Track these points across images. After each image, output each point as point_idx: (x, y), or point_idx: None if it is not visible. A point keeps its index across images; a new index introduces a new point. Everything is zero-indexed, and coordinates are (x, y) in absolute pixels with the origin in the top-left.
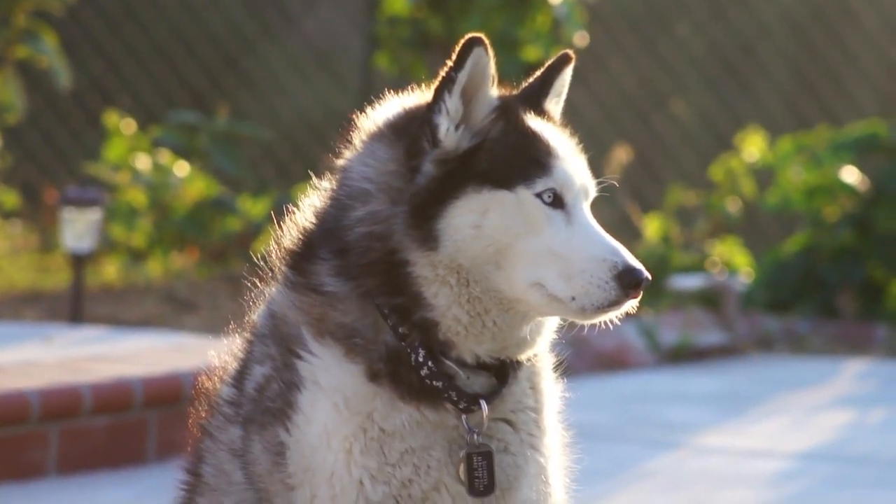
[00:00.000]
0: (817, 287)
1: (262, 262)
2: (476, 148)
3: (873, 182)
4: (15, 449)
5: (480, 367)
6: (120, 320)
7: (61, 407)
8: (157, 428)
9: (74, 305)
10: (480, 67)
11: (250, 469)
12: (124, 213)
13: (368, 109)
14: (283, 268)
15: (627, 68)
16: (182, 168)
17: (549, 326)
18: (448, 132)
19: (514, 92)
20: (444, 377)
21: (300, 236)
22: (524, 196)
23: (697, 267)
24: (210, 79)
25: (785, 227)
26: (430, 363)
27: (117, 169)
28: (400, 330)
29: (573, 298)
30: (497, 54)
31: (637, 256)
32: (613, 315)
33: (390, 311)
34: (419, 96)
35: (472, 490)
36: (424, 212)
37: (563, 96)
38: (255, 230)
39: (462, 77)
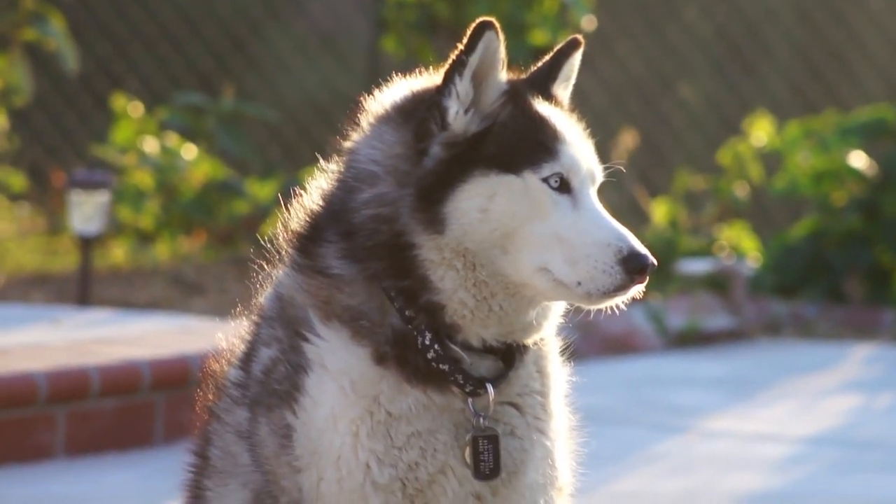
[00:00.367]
0: (825, 272)
1: (269, 245)
2: (484, 132)
3: (881, 167)
4: (22, 431)
5: (487, 350)
6: (127, 303)
7: (69, 389)
8: (164, 410)
9: (82, 288)
10: (491, 51)
11: (257, 451)
12: (132, 195)
13: (376, 92)
14: (289, 250)
15: (635, 52)
16: (189, 151)
17: (556, 311)
18: (457, 115)
19: (523, 76)
20: (450, 360)
21: (307, 219)
22: (531, 181)
23: (705, 251)
24: (217, 61)
25: (792, 211)
26: (436, 346)
27: (125, 151)
28: (406, 313)
29: (579, 283)
30: (504, 38)
31: (645, 241)
32: (619, 300)
33: (397, 294)
34: (427, 79)
35: (478, 473)
36: (431, 195)
37: (572, 81)
38: (262, 213)
39: (473, 61)
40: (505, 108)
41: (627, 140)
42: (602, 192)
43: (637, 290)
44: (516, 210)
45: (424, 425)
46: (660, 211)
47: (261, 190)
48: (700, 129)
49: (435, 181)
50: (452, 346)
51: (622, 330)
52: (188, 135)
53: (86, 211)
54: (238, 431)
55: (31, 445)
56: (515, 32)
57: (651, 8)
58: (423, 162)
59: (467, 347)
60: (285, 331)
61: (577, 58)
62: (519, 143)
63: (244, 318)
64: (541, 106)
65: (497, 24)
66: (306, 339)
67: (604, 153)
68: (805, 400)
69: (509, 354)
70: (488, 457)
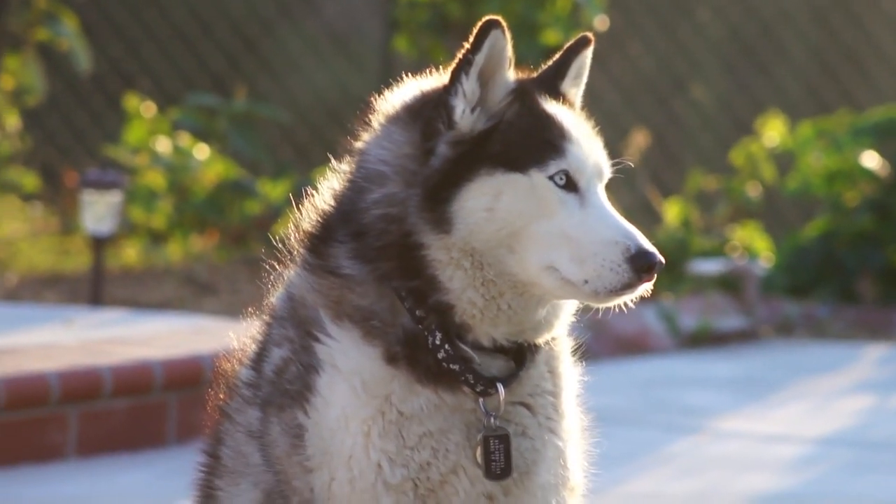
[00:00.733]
0: (837, 272)
1: (280, 245)
2: (490, 130)
3: (893, 167)
4: (35, 431)
5: (497, 350)
6: (140, 303)
7: (81, 389)
8: (176, 410)
9: (94, 288)
10: (498, 50)
11: (268, 451)
12: (144, 195)
13: (386, 92)
14: (301, 250)
15: (647, 52)
16: (202, 151)
17: (568, 310)
18: (464, 114)
19: (532, 75)
20: (460, 360)
21: (319, 219)
22: (537, 179)
23: (717, 252)
24: (230, 62)
25: (805, 211)
26: (446, 346)
27: (137, 152)
28: (417, 313)
29: (586, 282)
30: (517, 38)
31: (657, 241)
32: (627, 298)
33: (407, 295)
34: (437, 79)
35: (489, 473)
36: (438, 194)
37: (584, 79)
38: (274, 213)
39: (479, 59)
40: (512, 107)
41: (639, 140)
42: (614, 192)
43: (645, 288)
44: (522, 208)
45: (436, 425)
46: (672, 211)
47: (273, 190)
48: (712, 130)
49: (441, 180)
50: (462, 346)
51: (634, 330)
52: (201, 135)
53: (98, 211)
54: (249, 431)
55: (43, 445)
56: (528, 32)
57: (664, 8)
58: (430, 161)
59: (478, 347)
60: (297, 331)
61: (586, 55)
62: (525, 142)
63: (256, 319)
64: (548, 104)
65: (504, 23)
66: (317, 340)
67: (615, 153)
68: (817, 400)
69: (520, 354)
70: (499, 456)
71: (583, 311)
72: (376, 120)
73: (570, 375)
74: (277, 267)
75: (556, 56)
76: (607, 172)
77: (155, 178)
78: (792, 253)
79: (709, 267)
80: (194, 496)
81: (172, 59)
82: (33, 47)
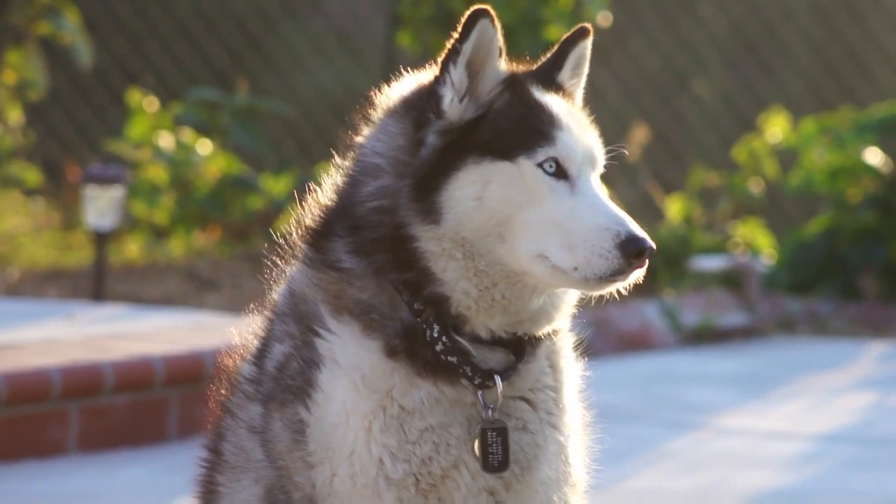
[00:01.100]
0: (839, 269)
1: (282, 241)
2: (479, 119)
3: None
4: (36, 426)
5: (496, 342)
6: (141, 298)
7: (83, 385)
8: (178, 406)
9: (96, 283)
10: (486, 40)
11: (270, 447)
12: (146, 190)
13: (385, 86)
14: (302, 245)
15: (650, 49)
16: (204, 146)
17: (568, 301)
18: (452, 103)
19: (530, 67)
20: (458, 352)
21: (320, 214)
22: (525, 166)
23: (719, 248)
24: (232, 58)
25: (807, 208)
26: (444, 338)
27: (139, 146)
28: (415, 306)
29: (575, 269)
30: (520, 34)
31: (659, 237)
32: (620, 285)
33: (403, 287)
34: (433, 72)
35: (487, 466)
36: (427, 184)
37: (584, 71)
38: (276, 208)
39: (467, 48)
40: (502, 96)
41: (639, 134)
42: (616, 187)
43: (637, 275)
44: (511, 196)
45: (437, 419)
46: (674, 207)
47: (275, 185)
48: (715, 126)
49: (430, 170)
50: (458, 339)
51: (636, 326)
52: (203, 130)
53: (100, 206)
54: (251, 427)
55: (44, 441)
56: (531, 28)
57: (666, 4)
58: (420, 152)
59: (476, 339)
60: (298, 326)
61: (585, 46)
62: (514, 130)
63: (258, 314)
64: (540, 94)
65: (493, 13)
66: (318, 335)
67: (619, 147)
68: (819, 397)
69: (520, 347)
70: (497, 449)
71: (585, 307)
72: (375, 114)
73: (572, 371)
74: (279, 263)
75: (554, 47)
76: (601, 161)
77: (157, 173)
78: (794, 250)
79: (711, 263)
80: (196, 492)
81: (175, 53)
82: (35, 42)
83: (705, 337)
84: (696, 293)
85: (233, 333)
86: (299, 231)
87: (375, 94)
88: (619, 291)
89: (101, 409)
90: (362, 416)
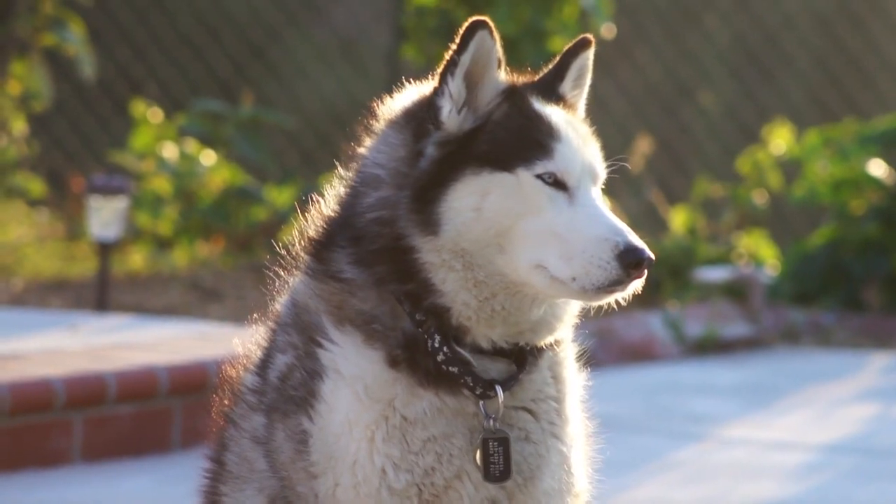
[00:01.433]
0: (843, 280)
1: (285, 252)
2: (477, 130)
3: None
4: (40, 436)
5: (498, 352)
6: (145, 308)
7: (86, 395)
8: (181, 416)
9: (100, 293)
10: (485, 51)
11: (273, 457)
12: (150, 201)
13: (388, 97)
14: (305, 256)
15: (654, 60)
16: (208, 157)
17: (570, 311)
18: (450, 114)
19: (532, 78)
20: (459, 363)
21: (323, 224)
22: (524, 177)
23: (723, 259)
24: (236, 68)
25: (811, 219)
26: (445, 349)
27: (143, 157)
28: (416, 316)
29: (574, 279)
30: (524, 45)
31: (663, 248)
32: (618, 296)
33: (404, 298)
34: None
35: (488, 476)
36: (425, 195)
37: (587, 82)
38: (280, 219)
39: (465, 60)
40: (500, 107)
41: (643, 145)
42: (620, 198)
43: (635, 286)
44: (510, 207)
45: (440, 430)
46: (678, 218)
47: (279, 196)
48: (719, 137)
49: (429, 181)
50: (458, 350)
51: (640, 337)
52: (207, 141)
53: (104, 216)
54: (254, 437)
55: (48, 451)
56: (535, 39)
57: (671, 15)
58: (419, 163)
59: (477, 349)
60: (301, 337)
61: (587, 57)
62: (512, 141)
63: (261, 325)
64: (539, 105)
65: (491, 24)
66: (320, 345)
67: (621, 159)
68: (822, 408)
69: (522, 357)
70: (498, 459)
71: (588, 317)
72: (377, 125)
73: (575, 381)
74: (282, 273)
75: (556, 59)
76: (602, 173)
77: (161, 184)
78: (798, 261)
79: (715, 274)
80: (199, 502)
81: (179, 65)
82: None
83: (709, 348)
84: (700, 304)
85: (236, 344)
86: (302, 242)
87: (378, 105)
88: (620, 301)
89: (105, 418)
90: (365, 426)
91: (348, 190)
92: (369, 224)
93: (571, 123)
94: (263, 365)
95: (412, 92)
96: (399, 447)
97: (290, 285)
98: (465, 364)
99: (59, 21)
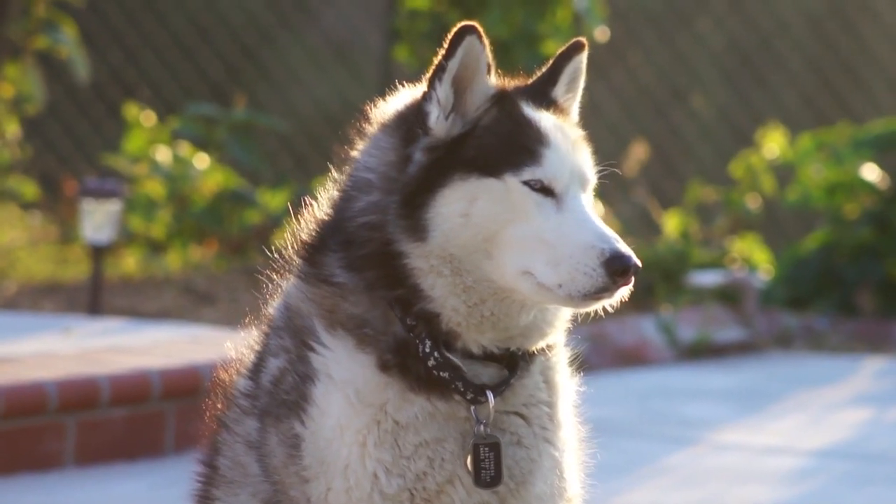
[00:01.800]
0: (836, 284)
1: (278, 255)
2: (465, 135)
3: (893, 179)
4: (33, 440)
5: (489, 357)
6: (138, 312)
7: (79, 398)
8: (174, 420)
9: (93, 297)
10: (473, 56)
11: (266, 461)
12: (143, 204)
13: (381, 101)
14: (297, 260)
15: (647, 63)
16: (201, 160)
17: (562, 316)
18: (438, 120)
19: (523, 83)
20: (450, 368)
21: (315, 228)
22: (512, 183)
23: (717, 263)
24: (229, 71)
25: (805, 223)
26: (435, 354)
27: (137, 160)
28: (407, 321)
29: (560, 286)
30: (517, 49)
31: (656, 252)
32: (605, 303)
33: (394, 303)
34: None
35: (479, 481)
36: (413, 201)
37: (579, 86)
38: (273, 223)
39: (453, 65)
40: (489, 112)
41: (638, 151)
42: (613, 203)
43: (623, 293)
44: (498, 213)
45: (432, 434)
46: (671, 223)
47: (272, 200)
48: (712, 141)
49: (417, 187)
50: (448, 355)
51: (633, 342)
52: (200, 144)
53: (97, 220)
54: (247, 441)
55: (41, 454)
56: (528, 43)
57: (663, 19)
58: (408, 168)
59: (468, 355)
60: (293, 341)
61: (579, 61)
62: (501, 146)
63: (254, 328)
64: (529, 110)
65: (480, 29)
66: (312, 349)
67: (615, 164)
68: (816, 413)
69: (513, 362)
70: (489, 464)
71: (580, 322)
72: (370, 128)
73: (567, 386)
74: (275, 277)
75: (549, 62)
76: (591, 179)
77: (154, 188)
78: (791, 265)
79: (708, 279)
80: None
81: (172, 68)
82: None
83: (702, 352)
84: (693, 308)
85: (229, 347)
86: (295, 245)
87: (370, 108)
88: (612, 307)
89: (98, 422)
90: (356, 430)
91: (340, 193)
92: (359, 228)
93: (561, 128)
94: (256, 369)
95: (405, 95)
96: (391, 452)
97: (282, 289)
98: (455, 369)
99: (51, 24)
